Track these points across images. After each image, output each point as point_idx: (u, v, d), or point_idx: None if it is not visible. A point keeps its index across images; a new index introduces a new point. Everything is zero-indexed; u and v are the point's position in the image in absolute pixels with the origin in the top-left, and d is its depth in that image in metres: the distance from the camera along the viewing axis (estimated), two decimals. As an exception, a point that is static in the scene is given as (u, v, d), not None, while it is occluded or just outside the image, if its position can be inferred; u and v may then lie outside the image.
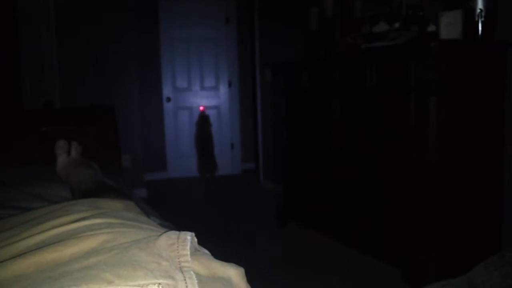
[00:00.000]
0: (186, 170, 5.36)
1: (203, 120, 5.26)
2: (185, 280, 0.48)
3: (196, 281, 0.49)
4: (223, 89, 5.50)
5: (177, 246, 0.54)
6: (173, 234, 0.57)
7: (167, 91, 5.32)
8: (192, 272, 0.50)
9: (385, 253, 2.27)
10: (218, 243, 2.50)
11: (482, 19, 2.06)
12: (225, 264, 0.58)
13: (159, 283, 0.47)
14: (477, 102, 2.08)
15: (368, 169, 2.34)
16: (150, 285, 0.46)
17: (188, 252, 0.54)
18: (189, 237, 0.57)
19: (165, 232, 0.59)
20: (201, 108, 5.34)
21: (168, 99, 5.32)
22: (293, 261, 2.60)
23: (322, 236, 2.81)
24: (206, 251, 0.61)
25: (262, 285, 1.34)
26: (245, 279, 0.59)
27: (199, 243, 0.62)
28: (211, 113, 5.46)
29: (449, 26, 2.08)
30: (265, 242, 2.98)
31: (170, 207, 3.86)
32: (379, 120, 2.24)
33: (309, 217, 2.95)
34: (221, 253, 0.77)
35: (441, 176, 1.99)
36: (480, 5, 2.05)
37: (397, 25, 2.54)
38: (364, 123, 2.35)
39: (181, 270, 0.50)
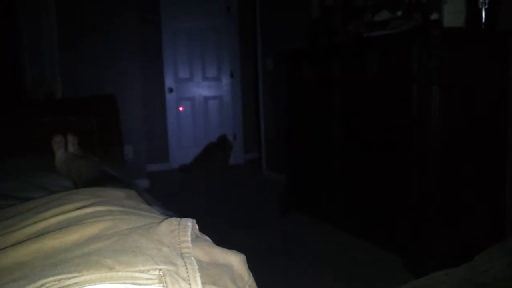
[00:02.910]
0: (189, 161, 5.36)
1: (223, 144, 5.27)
2: (185, 265, 0.48)
3: (197, 267, 0.49)
4: (225, 80, 5.48)
5: (178, 233, 0.54)
6: (174, 220, 0.57)
7: (169, 82, 5.30)
8: (193, 258, 0.50)
9: (387, 241, 2.27)
10: (220, 231, 2.50)
11: (486, 6, 2.04)
12: (226, 250, 0.58)
13: (160, 269, 0.47)
14: (480, 90, 2.07)
15: (371, 157, 2.34)
16: (151, 270, 0.46)
17: (189, 239, 0.53)
18: (190, 224, 0.57)
19: (165, 219, 0.59)
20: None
21: (170, 90, 5.30)
22: (294, 249, 2.61)
23: (325, 225, 2.82)
24: (207, 238, 0.61)
25: (263, 271, 1.35)
26: (246, 265, 0.59)
27: (201, 231, 0.61)
28: (213, 104, 5.45)
29: (452, 14, 2.06)
30: (267, 230, 2.99)
31: (173, 197, 3.87)
32: (382, 109, 2.23)
33: (312, 206, 2.95)
34: (223, 241, 0.77)
35: (444, 165, 1.99)
36: (483, -8, 2.03)
37: (399, 13, 2.51)
38: (367, 111, 2.34)
39: (181, 256, 0.50)
